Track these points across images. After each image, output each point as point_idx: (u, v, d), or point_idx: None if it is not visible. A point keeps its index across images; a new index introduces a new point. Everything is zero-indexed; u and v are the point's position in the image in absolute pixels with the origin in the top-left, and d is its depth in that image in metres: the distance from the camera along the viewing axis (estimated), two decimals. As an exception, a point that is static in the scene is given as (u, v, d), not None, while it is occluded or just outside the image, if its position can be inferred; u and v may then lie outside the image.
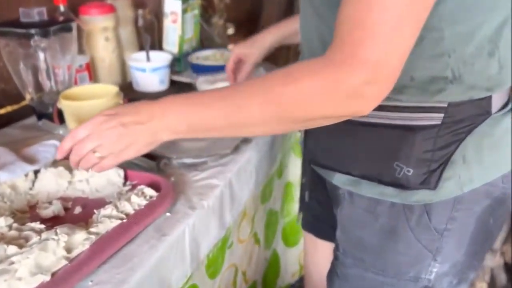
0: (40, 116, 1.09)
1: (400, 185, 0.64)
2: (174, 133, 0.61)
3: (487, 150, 0.64)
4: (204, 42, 1.50)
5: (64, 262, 0.57)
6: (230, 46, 1.08)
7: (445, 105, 0.61)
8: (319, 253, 0.96)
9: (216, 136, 0.65)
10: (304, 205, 0.94)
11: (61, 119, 0.97)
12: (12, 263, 0.55)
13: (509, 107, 0.68)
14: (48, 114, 1.07)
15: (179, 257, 0.69)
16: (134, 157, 0.64)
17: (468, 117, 0.62)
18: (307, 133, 0.76)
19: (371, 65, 0.51)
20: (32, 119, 1.13)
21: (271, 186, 1.10)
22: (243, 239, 0.96)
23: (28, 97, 1.09)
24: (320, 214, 0.90)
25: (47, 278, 0.54)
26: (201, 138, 0.91)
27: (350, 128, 0.65)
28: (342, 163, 0.69)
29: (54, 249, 0.58)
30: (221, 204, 0.81)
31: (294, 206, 1.27)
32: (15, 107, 1.15)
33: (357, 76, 0.51)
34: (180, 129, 0.60)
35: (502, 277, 1.89)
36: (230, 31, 1.84)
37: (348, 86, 0.52)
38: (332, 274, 0.79)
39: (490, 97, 0.63)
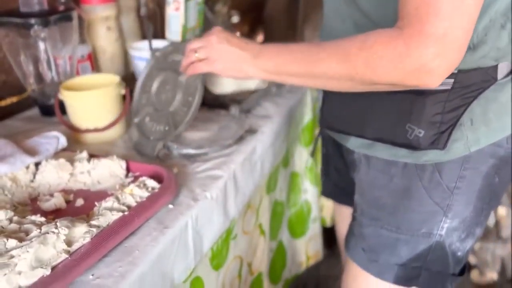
0: (43, 108, 1.08)
1: (411, 146, 0.67)
2: (262, 70, 0.72)
3: (492, 113, 0.68)
4: (208, 30, 1.48)
5: (64, 256, 0.56)
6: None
7: (456, 71, 0.63)
8: (340, 218, 1.02)
9: (295, 84, 0.73)
10: (324, 174, 1.01)
11: (63, 110, 0.95)
12: (12, 257, 0.54)
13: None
14: (50, 106, 1.06)
15: (182, 250, 0.68)
16: (220, 73, 0.78)
17: (476, 83, 0.65)
18: (324, 101, 0.78)
19: (438, 39, 0.54)
20: (34, 111, 1.12)
21: (276, 176, 1.09)
22: (247, 230, 0.94)
23: (29, 88, 1.08)
24: (339, 182, 0.95)
25: (47, 272, 0.54)
26: (205, 129, 0.91)
27: (363, 92, 0.67)
28: (356, 126, 0.72)
29: (54, 242, 0.57)
30: (224, 195, 0.80)
31: (300, 197, 1.25)
32: (17, 98, 1.14)
33: (424, 50, 0.55)
34: (268, 68, 0.72)
35: None
36: (235, 19, 1.81)
37: (416, 59, 0.55)
38: (349, 235, 0.83)
39: (496, 66, 0.66)
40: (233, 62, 0.75)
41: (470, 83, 0.64)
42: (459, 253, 0.75)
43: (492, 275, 1.81)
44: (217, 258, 0.81)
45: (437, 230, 0.73)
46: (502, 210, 1.80)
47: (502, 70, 0.66)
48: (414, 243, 0.74)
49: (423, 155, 0.69)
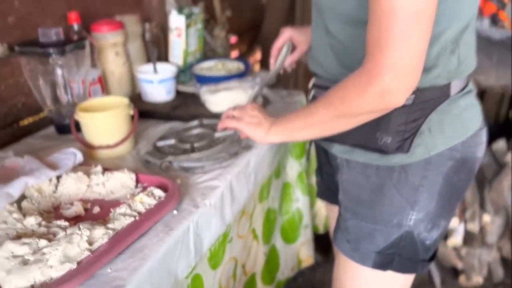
0: (58, 127, 1.20)
1: (381, 150, 0.80)
2: (275, 134, 0.89)
3: (447, 123, 0.80)
4: (207, 53, 1.61)
5: (87, 253, 0.67)
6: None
7: (415, 89, 0.74)
8: (332, 217, 1.13)
9: (305, 138, 0.90)
10: (318, 177, 1.14)
11: (77, 129, 1.07)
12: (44, 254, 0.66)
13: (465, 90, 0.83)
14: (66, 125, 1.18)
15: (184, 250, 0.79)
16: (244, 131, 0.93)
17: (432, 98, 0.78)
18: None
19: (391, 68, 0.67)
20: (50, 129, 1.24)
21: (269, 186, 1.20)
22: (242, 234, 1.05)
23: (46, 109, 1.20)
24: (330, 184, 1.06)
25: (74, 266, 0.65)
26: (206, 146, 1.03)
27: None
28: (338, 136, 0.83)
29: (78, 242, 0.68)
30: (222, 203, 0.91)
31: (292, 205, 1.36)
32: (34, 118, 1.26)
33: (382, 78, 0.68)
34: (279, 137, 0.90)
35: (499, 271, 1.96)
36: (232, 40, 1.95)
37: (377, 86, 0.68)
38: (336, 228, 0.95)
39: (449, 84, 0.78)
40: (255, 126, 0.91)
41: (428, 99, 0.77)
42: (427, 242, 0.87)
43: (478, 280, 1.90)
44: (215, 258, 0.92)
45: (406, 221, 0.84)
46: (486, 217, 1.91)
47: (454, 88, 0.79)
48: (388, 233, 0.85)
49: (391, 158, 0.81)
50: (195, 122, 1.15)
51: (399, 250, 0.87)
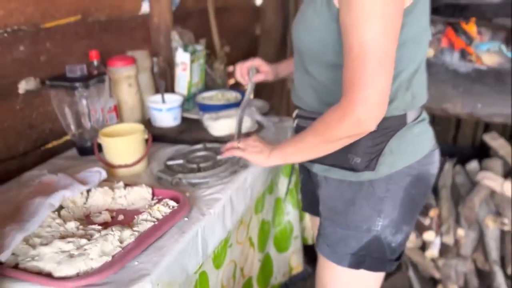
0: (80, 149, 1.38)
1: (353, 169, 0.98)
2: (275, 159, 1.06)
3: (404, 145, 0.98)
4: (208, 83, 1.81)
5: (119, 249, 0.85)
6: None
7: None
8: (315, 228, 1.29)
9: (299, 161, 1.10)
10: (302, 194, 1.32)
11: (99, 150, 1.25)
12: (85, 249, 0.83)
13: (419, 119, 1.01)
14: (87, 147, 1.36)
15: (193, 250, 0.97)
16: (248, 159, 1.10)
17: (392, 126, 0.96)
18: None
19: (362, 102, 0.84)
20: (72, 151, 1.42)
21: (263, 201, 1.38)
22: (240, 241, 1.23)
23: (70, 134, 1.38)
24: (312, 199, 1.22)
25: (109, 259, 0.83)
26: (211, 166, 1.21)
27: None
28: (318, 157, 1.00)
29: (112, 240, 0.86)
30: (223, 212, 1.09)
31: (284, 218, 1.54)
32: (59, 142, 1.44)
33: (357, 111, 0.85)
34: (277, 160, 1.06)
35: (474, 282, 2.13)
36: (230, 69, 2.16)
37: (352, 117, 0.86)
38: (318, 235, 1.12)
39: (405, 114, 0.97)
40: (260, 153, 1.07)
41: (388, 126, 0.95)
42: (392, 244, 1.04)
43: (454, 289, 2.07)
44: (218, 259, 1.10)
45: (374, 227, 1.01)
46: (460, 231, 2.09)
47: (410, 117, 0.98)
48: (360, 237, 1.02)
49: (361, 175, 0.99)
50: (199, 146, 1.34)
51: (369, 251, 1.04)
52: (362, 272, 1.06)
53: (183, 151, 1.33)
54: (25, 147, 1.32)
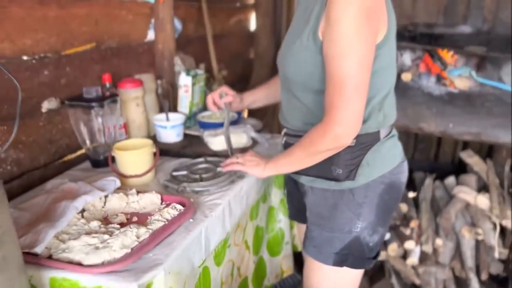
0: (94, 161, 1.54)
1: (336, 179, 1.15)
2: (270, 171, 1.23)
3: (378, 158, 1.16)
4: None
5: (136, 243, 1.01)
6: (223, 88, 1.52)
7: (356, 135, 1.10)
8: (301, 234, 1.45)
9: (291, 171, 1.21)
10: (289, 203, 1.47)
11: (112, 163, 1.41)
12: (108, 243, 0.99)
13: (389, 135, 1.19)
14: (100, 160, 1.52)
15: (198, 246, 1.13)
16: (247, 172, 1.26)
17: (368, 141, 1.14)
18: None
19: (340, 121, 1.01)
20: (85, 164, 1.58)
21: (258, 208, 1.55)
22: (237, 243, 1.39)
23: (85, 148, 1.55)
24: (299, 207, 1.38)
25: (129, 250, 0.98)
26: (211, 177, 1.37)
27: None
28: (305, 170, 1.17)
29: (130, 236, 1.02)
30: (223, 216, 1.26)
31: (276, 225, 1.70)
32: (73, 155, 1.60)
33: (334, 129, 1.02)
34: (273, 168, 1.22)
35: (453, 289, 2.30)
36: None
37: (332, 133, 1.03)
38: (305, 239, 1.27)
39: (378, 131, 1.15)
40: (257, 166, 1.24)
41: (365, 142, 1.13)
42: (370, 244, 1.20)
43: (434, 295, 2.23)
44: (218, 257, 1.26)
45: (354, 228, 1.18)
46: (439, 241, 2.26)
47: (382, 134, 1.16)
48: (342, 238, 1.19)
49: (342, 184, 1.16)
50: (201, 159, 1.51)
51: (351, 251, 1.20)
52: (345, 270, 1.22)
53: (187, 164, 1.50)
54: (46, 160, 1.48)
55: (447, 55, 2.36)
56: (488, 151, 2.99)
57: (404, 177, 1.23)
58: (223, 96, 1.50)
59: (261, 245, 1.61)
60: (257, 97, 1.52)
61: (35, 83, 1.39)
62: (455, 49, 2.35)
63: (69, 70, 1.53)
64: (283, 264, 1.73)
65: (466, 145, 3.08)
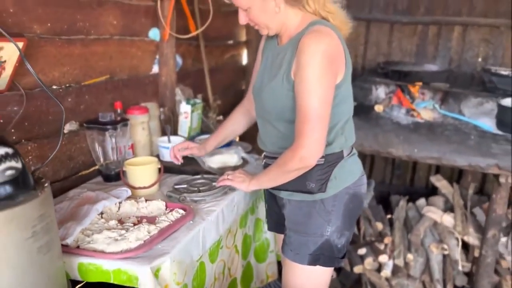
0: (106, 176, 1.79)
1: (309, 192, 1.37)
2: (255, 185, 1.45)
3: (343, 173, 1.39)
4: (204, 129, 2.26)
5: (148, 236, 1.25)
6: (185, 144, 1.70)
7: (324, 155, 1.35)
8: (280, 243, 1.64)
9: (270, 186, 1.44)
10: (268, 216, 1.69)
11: (123, 176, 1.66)
12: (126, 236, 1.23)
13: (351, 154, 1.43)
14: (111, 175, 1.77)
15: (196, 243, 1.37)
16: (237, 187, 1.49)
17: (334, 159, 1.38)
18: None
19: (305, 146, 1.24)
20: (97, 179, 1.82)
21: (246, 218, 1.79)
22: (229, 246, 1.63)
23: (98, 164, 1.79)
24: (277, 219, 1.61)
25: (142, 242, 1.23)
26: (208, 190, 1.62)
27: None
28: (284, 185, 1.40)
29: (143, 231, 1.26)
30: (217, 220, 1.50)
31: (262, 235, 1.94)
32: (87, 171, 1.85)
33: (299, 152, 1.25)
34: (256, 184, 1.44)
35: (424, 300, 2.52)
36: (220, 118, 2.62)
37: (298, 156, 1.26)
38: (283, 244, 1.49)
39: (342, 151, 1.40)
40: (243, 182, 1.46)
41: (331, 160, 1.37)
42: (339, 245, 1.43)
43: (406, 305, 2.45)
44: (212, 255, 1.50)
45: (325, 232, 1.41)
46: (410, 256, 2.51)
47: (345, 153, 1.41)
48: (316, 241, 1.42)
49: (315, 196, 1.40)
50: (199, 176, 1.75)
51: (323, 251, 1.43)
52: (318, 268, 1.45)
53: (186, 179, 1.75)
54: (65, 174, 1.72)
55: (416, 90, 2.68)
56: (458, 176, 3.28)
57: (364, 188, 1.48)
58: (183, 151, 1.70)
59: (249, 251, 1.84)
60: (221, 139, 1.70)
61: (60, 108, 1.65)
62: (423, 85, 2.67)
63: (87, 98, 1.80)
64: (268, 270, 1.96)
65: (438, 171, 3.37)
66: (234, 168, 1.81)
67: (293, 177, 1.35)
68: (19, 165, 0.98)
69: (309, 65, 1.23)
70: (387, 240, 2.56)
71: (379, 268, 2.53)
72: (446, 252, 2.48)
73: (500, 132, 2.25)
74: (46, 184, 1.03)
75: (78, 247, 1.23)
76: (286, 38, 1.37)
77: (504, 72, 2.63)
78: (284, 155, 1.32)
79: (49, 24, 1.58)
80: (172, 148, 1.71)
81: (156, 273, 1.18)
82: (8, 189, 0.94)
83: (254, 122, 1.61)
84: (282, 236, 1.60)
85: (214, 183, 1.65)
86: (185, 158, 1.98)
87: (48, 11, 1.56)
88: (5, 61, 1.33)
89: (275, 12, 1.31)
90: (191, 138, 2.09)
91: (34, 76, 1.17)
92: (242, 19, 1.35)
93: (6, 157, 0.95)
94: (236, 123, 1.69)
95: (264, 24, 1.34)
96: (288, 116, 1.35)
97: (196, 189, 1.64)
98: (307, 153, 1.26)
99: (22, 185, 0.98)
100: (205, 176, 1.76)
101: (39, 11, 1.53)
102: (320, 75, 1.24)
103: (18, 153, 1.00)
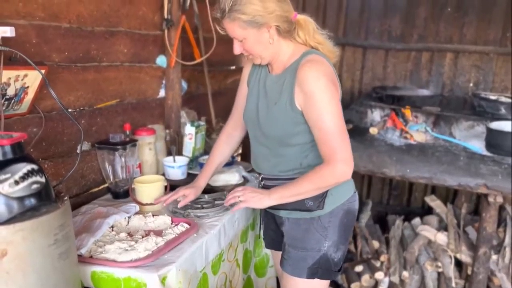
0: (114, 193, 1.90)
1: (308, 210, 1.47)
2: (274, 200, 1.44)
3: (338, 191, 1.47)
4: (207, 149, 2.38)
5: (155, 247, 1.36)
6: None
7: None
8: (277, 260, 1.75)
9: (291, 200, 1.44)
10: (265, 234, 1.76)
11: (132, 193, 1.77)
12: (135, 247, 1.34)
13: None
14: (120, 192, 1.88)
15: (199, 254, 1.48)
16: (249, 205, 1.47)
17: None
18: None
19: (342, 161, 1.32)
20: (107, 196, 1.93)
21: (247, 234, 1.90)
22: (230, 260, 1.73)
23: (108, 182, 1.91)
24: (274, 237, 1.69)
25: (150, 252, 1.33)
26: (208, 204, 1.72)
27: None
28: (284, 206, 1.49)
29: (151, 242, 1.37)
30: (219, 234, 1.61)
31: (262, 250, 2.04)
32: (97, 188, 1.96)
33: (339, 167, 1.33)
34: (276, 199, 1.44)
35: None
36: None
37: (338, 171, 1.34)
38: (282, 259, 1.57)
39: None
40: (257, 199, 1.45)
41: None
42: (335, 259, 1.52)
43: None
44: (214, 267, 1.60)
45: (322, 247, 1.50)
46: (405, 273, 2.59)
47: None
48: (314, 255, 1.50)
49: (313, 213, 1.48)
50: (201, 195, 1.84)
51: (320, 265, 1.51)
52: (316, 281, 1.53)
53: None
54: (77, 191, 1.84)
55: (409, 113, 2.81)
56: (453, 197, 3.38)
57: (356, 204, 1.57)
58: (182, 199, 1.69)
59: (249, 265, 1.94)
60: (210, 175, 1.76)
61: (74, 130, 1.78)
62: (416, 109, 2.80)
63: (99, 120, 1.93)
64: (268, 284, 2.05)
65: (434, 192, 3.47)
66: (235, 186, 1.92)
67: (322, 191, 1.43)
68: (43, 179, 1.10)
69: (316, 91, 1.34)
70: (383, 258, 2.64)
71: (376, 285, 2.60)
72: (440, 270, 2.56)
73: (488, 154, 2.37)
74: (65, 198, 1.15)
75: (91, 257, 1.34)
76: (280, 67, 1.47)
77: (493, 96, 2.77)
78: (320, 171, 1.36)
79: (66, 53, 1.72)
80: (166, 197, 1.69)
81: (163, 281, 1.28)
82: (33, 201, 1.05)
83: (239, 144, 1.71)
84: (278, 253, 1.69)
85: (217, 202, 1.75)
86: (189, 175, 2.11)
87: (66, 41, 1.71)
88: (28, 87, 1.47)
89: (268, 43, 1.41)
90: (195, 158, 2.21)
91: (57, 101, 1.30)
92: (237, 49, 1.44)
93: (32, 172, 1.07)
94: (221, 156, 1.75)
95: (258, 54, 1.43)
96: (291, 141, 1.45)
97: (199, 206, 1.75)
98: (346, 166, 1.34)
99: (45, 197, 1.09)
100: (208, 195, 1.86)
101: (58, 42, 1.67)
102: (330, 95, 1.34)
103: (42, 169, 1.12)
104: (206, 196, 1.85)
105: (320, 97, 1.34)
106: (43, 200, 1.08)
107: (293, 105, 1.40)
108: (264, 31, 1.38)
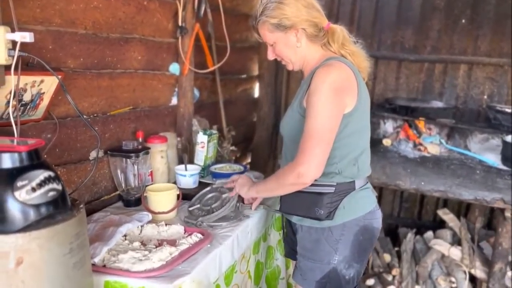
0: (126, 201, 1.88)
1: (318, 218, 1.44)
2: (255, 192, 1.60)
3: (353, 204, 1.45)
4: (218, 158, 2.36)
5: (169, 257, 1.33)
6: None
7: (335, 183, 1.43)
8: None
9: (266, 195, 1.64)
10: (285, 242, 1.76)
11: (144, 202, 1.75)
12: (149, 257, 1.32)
13: (364, 187, 1.50)
14: (132, 200, 1.86)
15: (213, 266, 1.45)
16: (240, 193, 1.66)
17: (345, 189, 1.45)
18: (281, 201, 1.57)
19: (302, 164, 1.33)
20: (118, 204, 1.91)
21: (259, 245, 1.87)
22: (242, 271, 1.70)
23: (120, 190, 1.89)
24: (292, 246, 1.66)
25: (164, 262, 1.31)
26: (220, 206, 1.70)
27: (297, 194, 1.46)
28: (295, 211, 1.49)
29: (165, 252, 1.34)
30: (232, 245, 1.58)
31: (274, 262, 2.01)
32: (108, 196, 1.95)
33: (298, 168, 1.34)
34: (255, 191, 1.58)
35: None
36: (233, 148, 2.73)
37: (295, 172, 1.34)
38: (295, 269, 1.56)
39: (354, 181, 1.46)
40: (246, 187, 1.62)
41: (342, 189, 1.45)
42: (346, 277, 1.47)
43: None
44: (227, 279, 1.56)
45: (332, 260, 1.46)
46: (417, 287, 2.54)
47: (358, 184, 1.47)
48: (323, 268, 1.47)
49: (324, 223, 1.45)
50: (208, 188, 1.82)
51: (329, 280, 1.47)
52: None
53: (198, 196, 1.81)
54: (89, 198, 1.82)
55: (422, 125, 2.77)
56: (465, 210, 3.33)
57: (376, 223, 1.52)
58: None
59: (261, 277, 1.90)
60: None
61: (87, 136, 1.76)
62: (429, 121, 2.77)
63: (112, 127, 1.91)
64: (280, 296, 2.01)
65: (445, 205, 3.42)
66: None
67: (288, 192, 1.45)
68: (59, 187, 1.08)
69: (316, 92, 1.35)
70: (395, 271, 2.60)
71: (387, 300, 2.55)
72: (454, 285, 2.51)
73: (505, 167, 2.33)
74: (81, 206, 1.12)
75: (104, 266, 1.31)
76: (307, 72, 1.51)
77: (508, 109, 2.73)
78: (283, 168, 1.43)
79: (81, 59, 1.71)
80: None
81: (177, 292, 1.25)
82: (50, 208, 1.03)
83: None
84: (295, 262, 1.67)
85: (223, 195, 1.73)
86: (201, 184, 2.09)
87: (81, 47, 1.70)
88: (44, 93, 1.46)
89: (296, 46, 1.47)
90: (206, 167, 2.19)
91: (74, 107, 1.28)
92: (270, 54, 1.53)
93: (49, 179, 1.05)
94: None
95: (288, 58, 1.51)
96: (297, 139, 1.43)
97: (209, 208, 1.71)
98: (305, 170, 1.34)
99: (62, 205, 1.07)
100: (214, 186, 1.83)
101: (74, 48, 1.67)
102: (325, 101, 1.34)
103: (59, 177, 1.10)
104: (212, 186, 1.84)
105: (317, 98, 1.35)
106: (59, 208, 1.06)
107: (302, 102, 1.44)
108: (291, 34, 1.45)
